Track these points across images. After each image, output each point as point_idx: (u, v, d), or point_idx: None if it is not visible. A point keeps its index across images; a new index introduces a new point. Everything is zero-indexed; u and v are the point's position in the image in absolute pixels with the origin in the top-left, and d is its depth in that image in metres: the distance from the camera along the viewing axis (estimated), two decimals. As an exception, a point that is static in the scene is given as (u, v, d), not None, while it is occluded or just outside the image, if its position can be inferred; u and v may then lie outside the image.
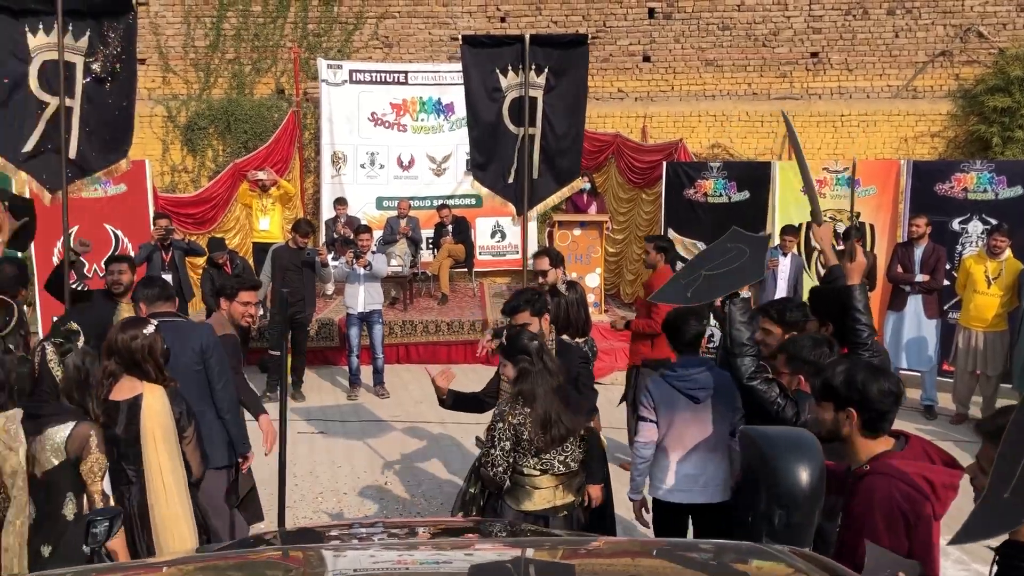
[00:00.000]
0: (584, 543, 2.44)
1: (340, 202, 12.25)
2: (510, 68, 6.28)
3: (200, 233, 11.84)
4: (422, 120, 13.61)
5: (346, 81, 13.49)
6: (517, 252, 12.85)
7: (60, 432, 3.18)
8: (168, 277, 9.01)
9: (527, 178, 6.28)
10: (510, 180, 6.37)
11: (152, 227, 9.38)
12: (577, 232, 10.76)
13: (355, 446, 7.67)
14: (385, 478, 6.93)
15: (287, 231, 10.41)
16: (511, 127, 6.31)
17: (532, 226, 13.26)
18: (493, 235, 13.41)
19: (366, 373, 9.33)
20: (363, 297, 8.88)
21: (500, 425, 3.83)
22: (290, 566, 2.23)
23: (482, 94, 6.31)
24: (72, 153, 5.62)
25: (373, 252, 9.04)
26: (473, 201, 13.42)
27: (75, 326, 4.26)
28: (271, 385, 8.97)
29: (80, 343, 3.50)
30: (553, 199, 6.60)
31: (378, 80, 13.56)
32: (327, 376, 10.01)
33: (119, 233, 10.50)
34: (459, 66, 13.70)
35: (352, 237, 11.49)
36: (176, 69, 14.25)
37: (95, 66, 5.66)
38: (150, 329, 3.71)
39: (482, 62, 6.34)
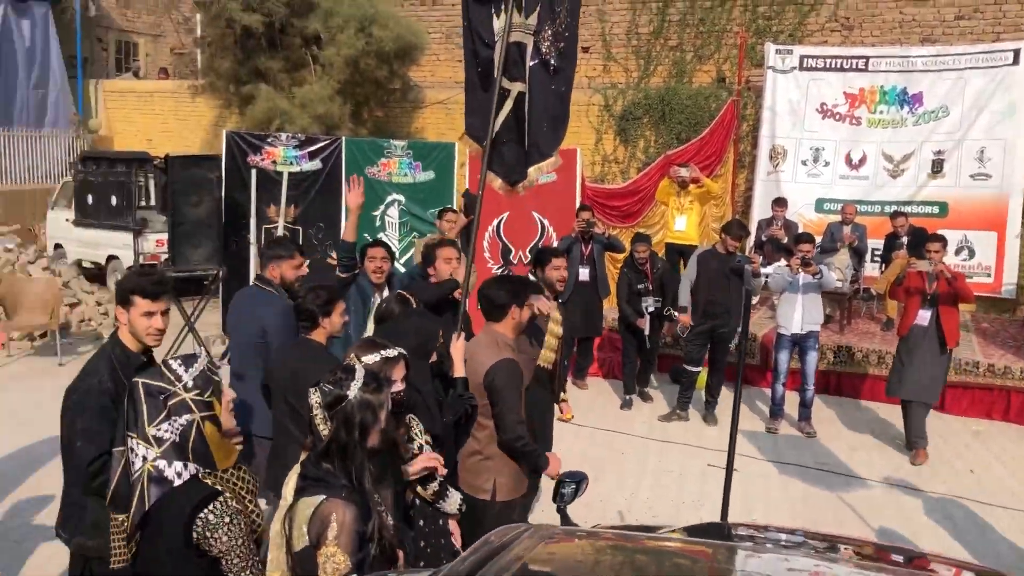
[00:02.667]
0: None
1: (779, 203, 10.98)
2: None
3: (624, 227, 11.39)
4: (880, 112, 11.78)
5: (795, 68, 12.14)
6: (989, 275, 10.58)
7: (308, 506, 2.42)
8: (586, 271, 8.56)
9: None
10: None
11: (576, 219, 8.99)
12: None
13: (771, 495, 6.50)
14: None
15: (706, 232, 9.49)
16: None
17: (1014, 244, 10.89)
18: (959, 252, 11.19)
19: (790, 402, 8.07)
20: (800, 314, 7.60)
21: None
22: (696, 558, 2.19)
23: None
24: (526, 145, 4.89)
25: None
26: (936, 210, 11.35)
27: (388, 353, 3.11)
28: (681, 402, 8.10)
29: (356, 384, 2.50)
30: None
31: (832, 67, 12.01)
32: (744, 397, 8.88)
33: (545, 221, 10.34)
34: (934, 50, 11.83)
35: (783, 240, 10.24)
36: (618, 57, 13.98)
37: (543, 46, 5.09)
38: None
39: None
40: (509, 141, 4.82)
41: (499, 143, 4.84)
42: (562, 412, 5.69)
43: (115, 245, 12.09)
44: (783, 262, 10.35)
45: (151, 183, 12.89)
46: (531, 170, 4.90)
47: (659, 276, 8.38)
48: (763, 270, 9.70)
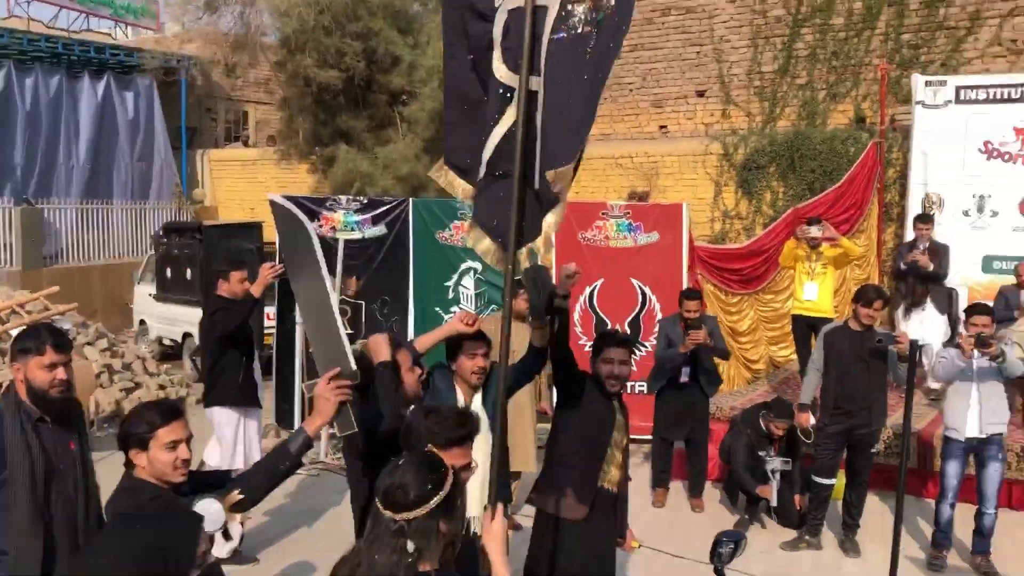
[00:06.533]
0: None
1: (923, 219, 8.88)
2: None
3: (746, 293, 9.70)
4: (1064, 149, 9.66)
5: (950, 102, 10.18)
6: None
7: None
8: (687, 372, 6.96)
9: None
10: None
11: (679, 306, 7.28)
12: None
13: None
14: None
15: (847, 301, 7.70)
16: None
17: None
18: None
19: (962, 524, 6.11)
20: (978, 413, 5.70)
21: None
22: None
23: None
24: (535, 179, 3.09)
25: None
26: None
27: None
28: (812, 525, 6.25)
29: None
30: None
31: (998, 97, 9.98)
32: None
33: (646, 290, 8.81)
34: None
35: (927, 268, 8.31)
36: (738, 100, 12.39)
37: (578, 8, 2.99)
38: None
39: None
40: (503, 176, 3.10)
41: (490, 179, 3.19)
42: (623, 541, 4.23)
43: (191, 321, 11.35)
44: (939, 334, 8.40)
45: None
46: (549, 219, 3.10)
47: (787, 445, 6.74)
48: (914, 335, 7.82)
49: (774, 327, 9.86)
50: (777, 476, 6.55)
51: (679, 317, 6.96)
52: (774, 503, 6.56)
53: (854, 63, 11.56)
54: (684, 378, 6.93)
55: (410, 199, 8.95)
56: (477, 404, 3.91)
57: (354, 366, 3.03)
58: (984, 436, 5.69)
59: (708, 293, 9.24)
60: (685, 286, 8.60)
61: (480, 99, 3.26)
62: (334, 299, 3.23)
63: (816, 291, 8.18)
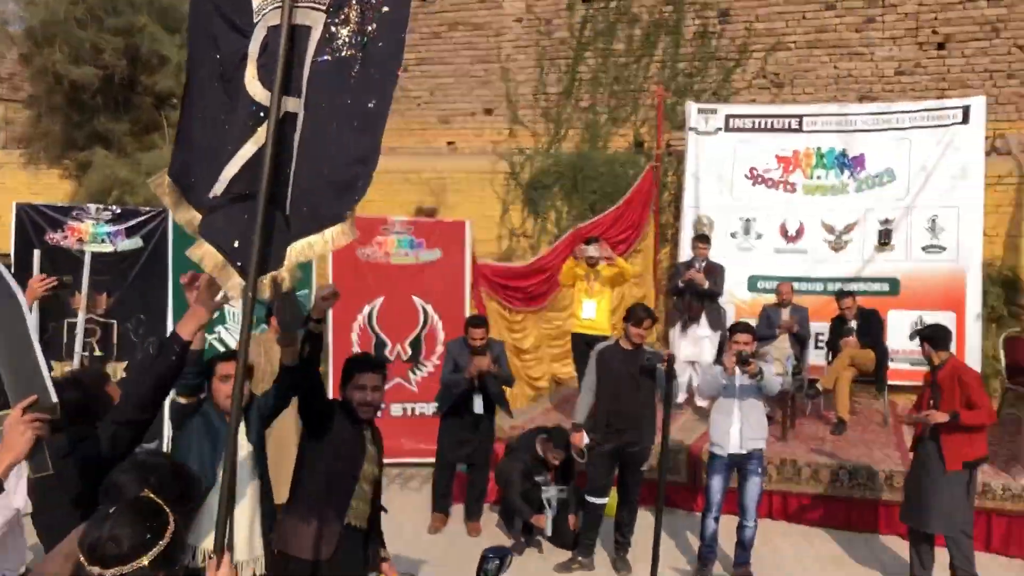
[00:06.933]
0: None
1: (701, 239, 9.23)
2: None
3: (529, 310, 9.65)
4: (818, 177, 10.36)
5: (720, 129, 10.71)
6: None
7: None
8: (479, 401, 6.71)
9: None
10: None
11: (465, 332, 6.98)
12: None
13: None
14: None
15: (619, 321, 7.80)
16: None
17: (974, 327, 9.36)
18: (913, 336, 9.66)
19: (727, 536, 6.24)
20: (739, 429, 5.82)
21: None
22: None
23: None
24: (287, 204, 2.80)
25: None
26: (886, 287, 9.85)
27: None
28: (584, 546, 6.18)
29: None
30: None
31: (762, 127, 10.61)
32: (667, 526, 7.03)
33: (428, 308, 8.54)
34: (875, 107, 10.54)
35: (703, 286, 8.64)
36: (524, 120, 12.45)
37: (343, 31, 2.78)
38: None
39: None
40: (250, 197, 2.74)
41: (229, 197, 2.81)
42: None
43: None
44: (713, 351, 8.72)
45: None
46: (296, 248, 2.76)
47: (563, 470, 6.61)
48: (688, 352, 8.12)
49: (556, 344, 9.88)
50: (553, 504, 6.42)
51: (466, 341, 6.75)
52: (548, 533, 6.43)
53: (633, 88, 11.91)
54: (478, 409, 6.69)
55: (168, 210, 8.22)
56: (240, 437, 3.56)
57: (54, 398, 2.58)
58: (745, 452, 5.83)
59: (492, 311, 9.10)
60: (467, 303, 8.46)
61: (221, 115, 2.94)
62: (31, 321, 2.76)
63: (594, 309, 8.25)
